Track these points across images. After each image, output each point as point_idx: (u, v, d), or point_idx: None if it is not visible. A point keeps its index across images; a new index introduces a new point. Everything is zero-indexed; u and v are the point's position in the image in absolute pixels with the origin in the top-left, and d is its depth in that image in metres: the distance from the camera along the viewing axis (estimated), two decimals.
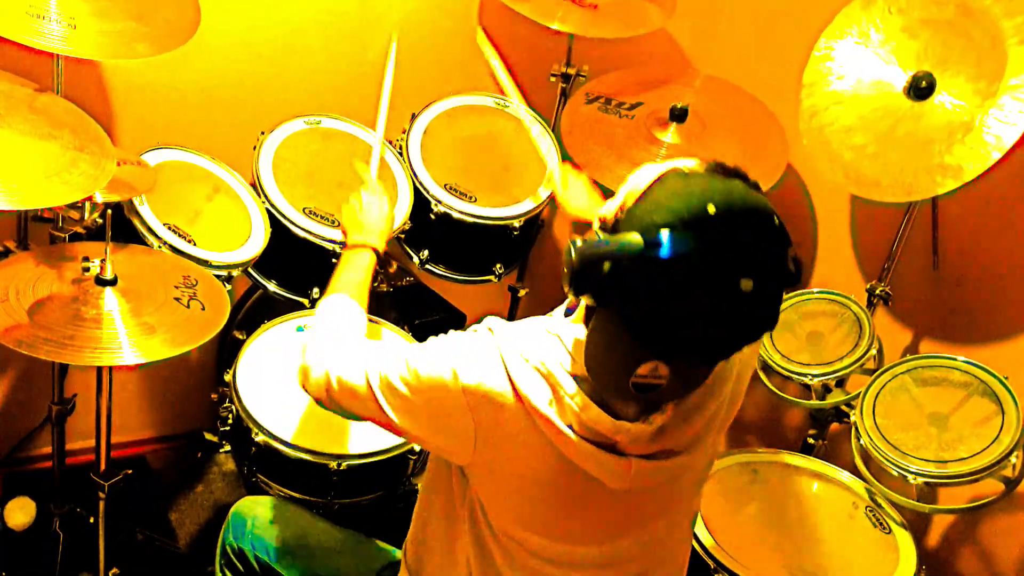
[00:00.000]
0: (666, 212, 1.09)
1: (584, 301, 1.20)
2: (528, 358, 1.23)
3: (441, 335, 1.35)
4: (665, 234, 1.07)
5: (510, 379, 1.23)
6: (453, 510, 1.37)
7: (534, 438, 1.23)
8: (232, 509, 1.73)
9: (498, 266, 2.45)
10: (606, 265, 1.09)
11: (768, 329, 1.14)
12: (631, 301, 1.10)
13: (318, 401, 1.44)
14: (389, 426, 1.34)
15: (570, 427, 1.21)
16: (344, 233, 1.78)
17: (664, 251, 1.07)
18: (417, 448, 1.93)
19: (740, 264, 1.07)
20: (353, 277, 1.65)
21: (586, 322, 1.21)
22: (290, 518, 1.69)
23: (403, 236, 2.31)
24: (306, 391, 1.46)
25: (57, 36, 1.72)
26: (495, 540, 1.34)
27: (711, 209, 1.08)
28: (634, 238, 1.08)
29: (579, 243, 1.11)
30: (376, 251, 1.72)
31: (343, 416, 1.48)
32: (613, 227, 1.15)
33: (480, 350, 1.28)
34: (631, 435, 1.21)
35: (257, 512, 1.69)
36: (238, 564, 1.67)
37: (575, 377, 1.22)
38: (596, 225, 1.20)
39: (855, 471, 2.04)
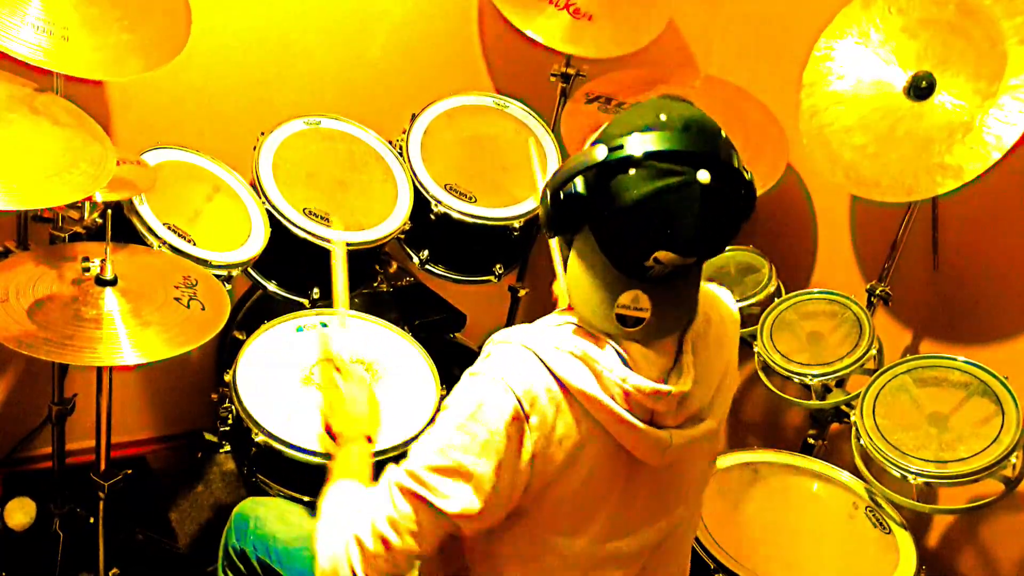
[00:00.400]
0: (623, 125, 1.21)
1: (560, 245, 1.31)
2: (559, 346, 1.24)
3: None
4: (624, 139, 1.18)
5: (551, 372, 1.23)
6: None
7: (585, 428, 1.24)
8: (235, 510, 1.72)
9: (498, 266, 2.45)
10: (576, 184, 1.20)
11: (727, 233, 1.22)
12: (600, 213, 1.20)
13: None
14: (445, 511, 1.23)
15: (615, 402, 1.23)
16: (332, 436, 1.59)
17: (623, 152, 1.17)
18: None
19: (695, 159, 1.17)
20: (352, 469, 1.48)
21: (565, 265, 1.28)
22: (292, 520, 1.68)
23: (403, 236, 2.31)
24: None
25: (48, 50, 1.70)
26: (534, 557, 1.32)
27: (664, 116, 1.19)
28: (596, 149, 1.19)
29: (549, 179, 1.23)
30: (369, 438, 1.57)
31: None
32: None
33: (512, 356, 1.26)
34: (670, 400, 1.24)
35: (259, 513, 1.69)
36: (240, 565, 1.67)
37: (604, 349, 1.25)
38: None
39: (855, 471, 2.03)
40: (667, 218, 1.17)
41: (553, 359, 1.24)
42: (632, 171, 1.17)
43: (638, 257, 1.20)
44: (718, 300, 1.42)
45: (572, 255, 1.27)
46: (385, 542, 1.24)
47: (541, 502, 1.27)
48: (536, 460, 1.23)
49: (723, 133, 1.22)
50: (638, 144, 1.17)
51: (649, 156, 1.17)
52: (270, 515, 1.68)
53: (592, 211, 1.21)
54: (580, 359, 1.24)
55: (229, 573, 1.70)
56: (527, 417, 1.22)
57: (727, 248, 2.43)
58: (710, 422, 1.33)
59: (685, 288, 1.28)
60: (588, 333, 1.26)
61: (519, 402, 1.22)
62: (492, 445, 1.21)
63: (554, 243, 1.59)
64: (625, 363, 1.25)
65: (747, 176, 1.22)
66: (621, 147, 1.18)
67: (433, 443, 1.25)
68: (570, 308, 1.31)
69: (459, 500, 1.22)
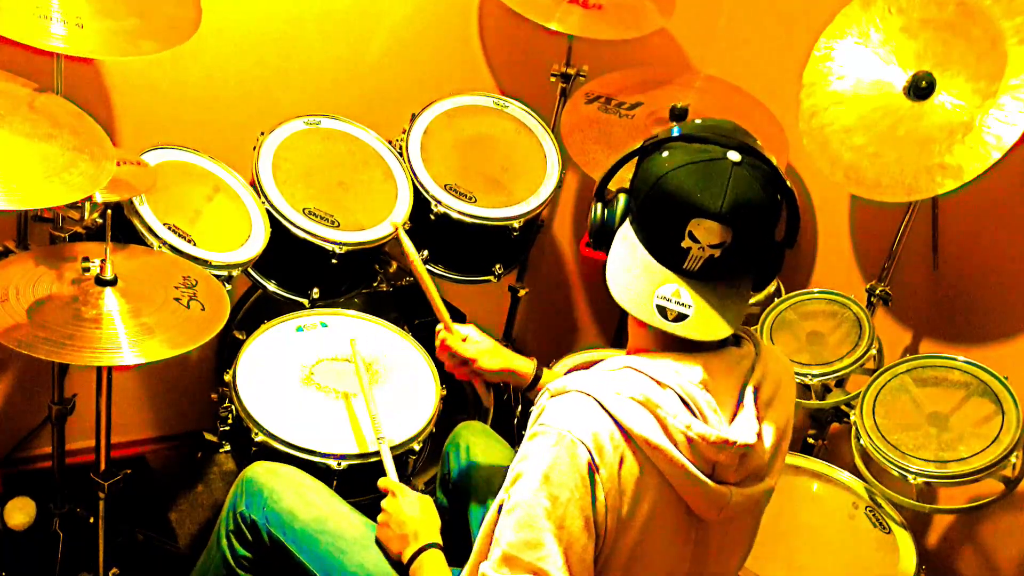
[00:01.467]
0: (664, 133, 1.30)
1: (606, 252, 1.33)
2: (621, 391, 1.22)
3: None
4: (668, 133, 1.28)
5: (615, 419, 1.21)
6: None
7: (647, 479, 1.22)
8: (245, 474, 1.67)
9: (498, 266, 2.45)
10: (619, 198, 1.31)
11: (762, 215, 1.24)
12: (636, 192, 1.27)
13: None
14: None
15: (680, 452, 1.21)
16: (398, 550, 1.55)
17: (659, 138, 1.28)
18: (417, 447, 1.93)
19: (727, 142, 1.25)
20: None
21: (609, 263, 1.30)
22: (310, 498, 1.63)
23: None
24: None
25: (62, 36, 1.72)
26: None
27: (699, 120, 1.32)
28: (634, 144, 1.30)
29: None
30: (439, 547, 1.54)
31: None
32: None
33: (575, 407, 1.23)
34: (730, 453, 1.22)
35: (274, 485, 1.63)
36: (248, 534, 1.63)
37: (665, 391, 1.23)
38: None
39: (855, 471, 2.03)
40: (696, 186, 1.21)
41: (615, 405, 1.21)
42: (666, 152, 1.25)
43: (673, 234, 1.22)
44: (776, 354, 1.41)
45: (614, 252, 1.30)
46: None
47: (608, 559, 1.24)
48: (609, 514, 1.21)
49: (759, 141, 1.29)
50: (674, 131, 1.27)
51: (682, 137, 1.26)
52: (287, 489, 1.63)
53: (631, 200, 1.28)
54: (643, 404, 1.21)
55: (232, 539, 1.65)
56: (598, 468, 1.19)
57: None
58: (769, 481, 1.31)
59: (729, 293, 1.26)
60: (650, 377, 1.24)
61: (590, 453, 1.19)
62: (576, 503, 1.19)
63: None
64: (689, 409, 1.23)
65: (775, 163, 1.27)
66: (656, 135, 1.28)
67: (514, 519, 1.20)
68: (629, 351, 1.31)
69: (556, 567, 1.18)
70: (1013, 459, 1.85)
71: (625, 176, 1.33)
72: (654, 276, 1.24)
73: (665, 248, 1.24)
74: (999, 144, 1.88)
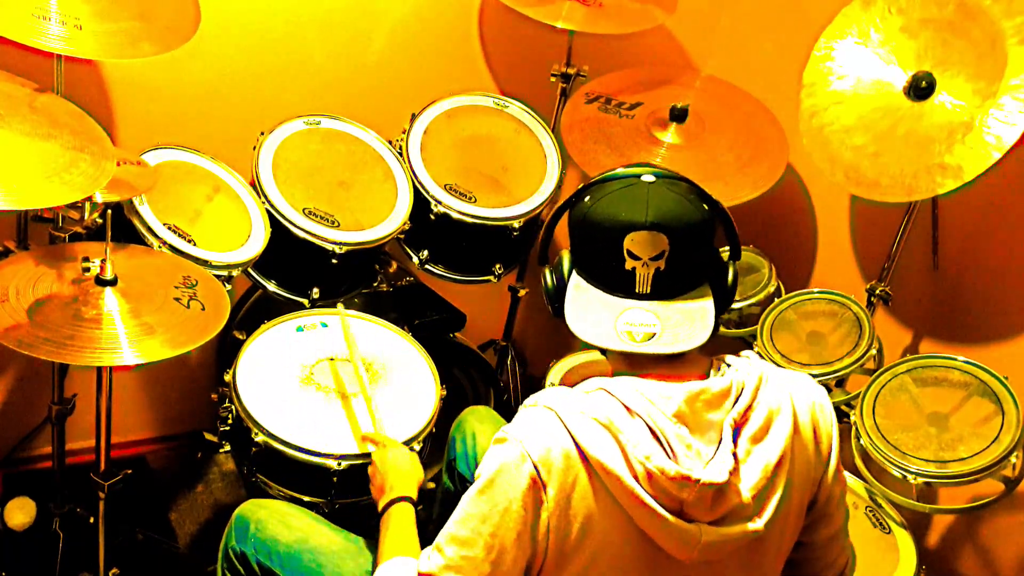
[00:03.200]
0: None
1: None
2: (589, 415, 1.21)
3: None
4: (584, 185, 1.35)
5: (574, 440, 1.20)
6: None
7: (604, 505, 1.20)
8: (236, 512, 1.71)
9: (498, 266, 2.45)
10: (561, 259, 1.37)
11: (687, 212, 1.28)
12: (573, 239, 1.35)
13: None
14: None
15: (639, 484, 1.18)
16: (376, 497, 1.63)
17: (582, 192, 1.35)
18: (417, 447, 1.93)
19: (641, 172, 1.31)
20: (401, 534, 1.52)
21: (566, 314, 1.33)
22: (294, 523, 1.67)
23: (403, 236, 2.31)
24: None
25: (61, 37, 1.72)
26: None
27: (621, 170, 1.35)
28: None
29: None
30: (412, 500, 1.59)
31: None
32: None
33: (537, 420, 1.24)
34: (697, 491, 1.18)
35: (260, 516, 1.67)
36: (240, 568, 1.66)
37: (633, 419, 1.21)
38: None
39: (855, 471, 2.03)
40: (620, 204, 1.28)
41: (576, 424, 1.20)
42: (587, 197, 1.32)
43: (612, 257, 1.27)
44: (782, 380, 1.34)
45: (570, 307, 1.32)
46: None
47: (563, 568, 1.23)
48: (552, 535, 1.20)
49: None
50: (598, 182, 1.33)
51: (596, 181, 1.33)
52: (271, 518, 1.67)
53: (571, 244, 1.34)
54: (605, 427, 1.20)
55: (228, 575, 1.70)
56: (544, 486, 1.19)
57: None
58: (755, 524, 1.24)
59: (691, 308, 1.26)
60: (621, 403, 1.22)
61: (536, 469, 1.19)
62: (512, 514, 1.19)
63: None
64: (659, 442, 1.20)
65: (709, 195, 1.33)
66: (585, 190, 1.35)
67: (458, 514, 1.24)
68: (611, 372, 1.31)
69: (477, 568, 1.20)
70: (1013, 459, 1.85)
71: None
72: (613, 308, 1.28)
73: (612, 277, 1.28)
74: (999, 144, 1.88)
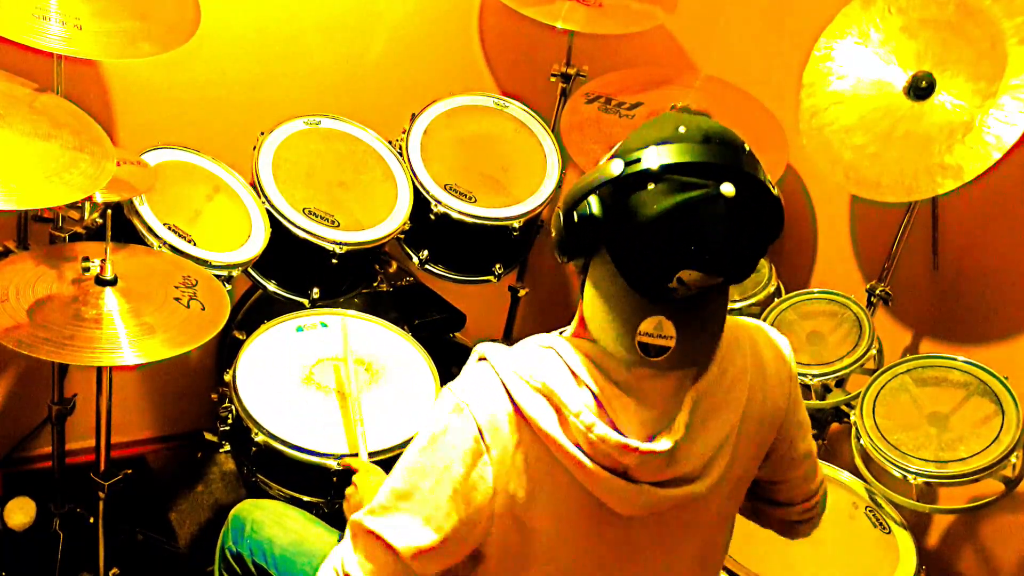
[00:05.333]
0: (639, 139, 1.13)
1: (577, 267, 1.21)
2: (526, 378, 1.17)
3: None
4: (641, 152, 1.10)
5: (514, 403, 1.17)
6: None
7: (548, 465, 1.18)
8: (232, 512, 1.71)
9: (498, 266, 2.45)
10: (590, 204, 1.13)
11: (756, 250, 1.14)
12: (617, 233, 1.12)
13: None
14: (396, 546, 1.19)
15: (579, 448, 1.16)
16: (347, 513, 1.59)
17: (640, 166, 1.10)
18: None
19: (718, 171, 1.09)
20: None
21: (582, 291, 1.20)
22: (290, 524, 1.67)
23: (403, 236, 2.31)
24: None
25: (61, 37, 1.73)
26: None
27: (683, 129, 1.12)
28: (612, 164, 1.12)
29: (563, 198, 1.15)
30: None
31: None
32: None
33: (480, 379, 1.20)
34: (639, 458, 1.16)
35: (256, 516, 1.67)
36: (236, 568, 1.66)
37: (579, 388, 1.18)
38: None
39: (855, 471, 2.03)
40: (691, 234, 1.08)
41: (517, 389, 1.17)
42: (651, 185, 1.09)
43: (660, 278, 1.11)
44: (750, 348, 1.30)
45: (588, 282, 1.18)
46: None
47: (505, 546, 1.21)
48: (498, 496, 1.17)
49: (747, 147, 1.14)
50: (656, 157, 1.09)
51: (669, 169, 1.09)
52: (267, 519, 1.67)
53: (609, 231, 1.13)
54: (545, 396, 1.16)
55: (225, 575, 1.70)
56: (488, 449, 1.16)
57: None
58: (697, 486, 1.21)
59: (713, 312, 1.19)
60: (570, 369, 1.17)
61: (480, 432, 1.16)
62: (449, 474, 1.16)
63: None
64: (604, 412, 1.16)
65: (774, 191, 1.14)
66: (638, 160, 1.10)
67: (400, 468, 1.21)
68: (575, 334, 1.24)
69: (411, 533, 1.18)
70: (1013, 459, 1.85)
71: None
72: (636, 312, 1.14)
73: (649, 287, 1.14)
74: (999, 144, 1.88)
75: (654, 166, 1.09)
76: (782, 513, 1.48)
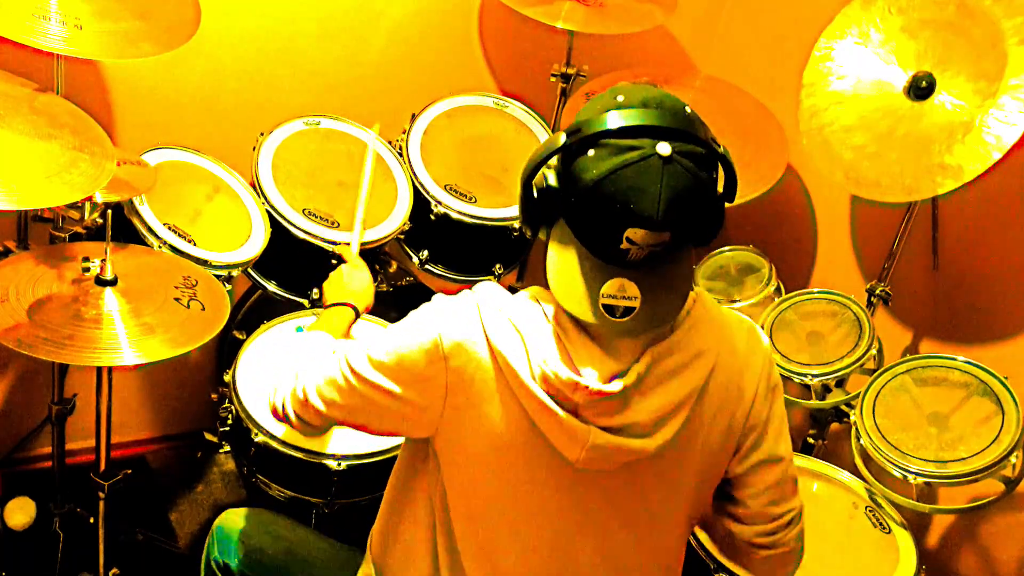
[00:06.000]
0: (585, 112, 1.21)
1: (541, 237, 1.28)
2: (503, 311, 1.26)
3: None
4: (583, 123, 1.18)
5: (485, 332, 1.25)
6: (419, 500, 1.36)
7: (503, 396, 1.25)
8: (216, 523, 1.68)
9: (498, 266, 2.45)
10: (547, 177, 1.21)
11: (699, 206, 1.19)
12: (568, 200, 1.20)
13: (286, 419, 1.40)
14: (359, 390, 1.31)
15: (534, 381, 1.23)
16: (324, 292, 1.73)
17: (581, 134, 1.17)
18: None
19: (654, 132, 1.15)
20: (332, 325, 1.59)
21: (547, 260, 1.26)
22: (280, 533, 1.65)
23: (403, 236, 2.31)
24: (277, 417, 1.42)
25: (61, 37, 1.73)
26: (460, 530, 1.33)
27: (621, 97, 1.20)
28: (559, 136, 1.19)
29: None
30: (356, 310, 1.66)
31: (317, 433, 1.51)
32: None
33: (460, 305, 1.29)
34: (588, 396, 1.21)
35: (242, 526, 1.65)
36: None
37: (548, 330, 1.25)
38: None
39: (855, 471, 2.03)
40: (629, 193, 1.15)
41: (491, 319, 1.25)
42: (591, 152, 1.17)
43: (610, 239, 1.18)
44: (733, 332, 1.34)
45: (551, 250, 1.25)
46: (318, 399, 1.34)
47: (452, 455, 1.30)
48: (449, 394, 1.26)
49: (688, 109, 1.20)
50: (595, 124, 1.17)
51: (607, 134, 1.16)
52: (255, 528, 1.65)
53: (561, 199, 1.21)
54: (515, 327, 1.25)
55: None
56: (446, 358, 1.25)
57: (727, 248, 2.44)
58: (646, 442, 1.25)
59: (674, 272, 1.23)
60: (543, 310, 1.26)
61: (443, 344, 1.25)
62: (415, 358, 1.26)
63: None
64: (563, 351, 1.23)
65: (720, 149, 1.20)
66: (579, 130, 1.18)
67: (380, 335, 1.32)
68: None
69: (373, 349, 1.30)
70: (1013, 459, 1.85)
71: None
72: (598, 276, 1.21)
73: (603, 249, 1.20)
74: (999, 144, 1.88)
75: (592, 132, 1.17)
76: (736, 528, 1.44)
